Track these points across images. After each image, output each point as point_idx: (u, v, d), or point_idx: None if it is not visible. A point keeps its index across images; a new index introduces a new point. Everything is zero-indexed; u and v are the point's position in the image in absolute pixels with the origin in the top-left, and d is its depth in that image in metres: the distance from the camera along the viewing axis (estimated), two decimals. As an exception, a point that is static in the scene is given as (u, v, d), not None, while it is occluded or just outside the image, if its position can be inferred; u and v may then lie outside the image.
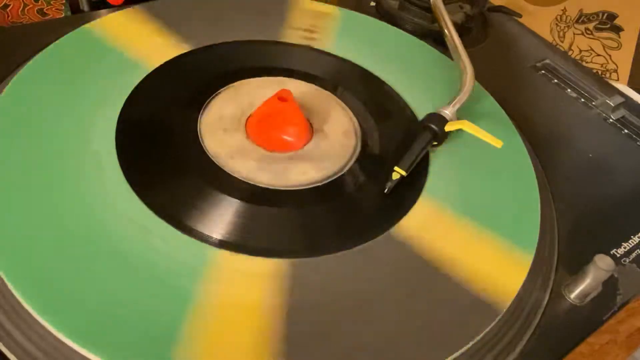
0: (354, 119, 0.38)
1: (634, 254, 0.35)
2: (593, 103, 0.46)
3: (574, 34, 0.68)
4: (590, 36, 0.68)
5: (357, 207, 0.33)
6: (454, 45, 0.42)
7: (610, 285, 0.33)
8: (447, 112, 0.36)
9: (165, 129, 0.34)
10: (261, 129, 0.35)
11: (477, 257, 0.31)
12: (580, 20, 0.69)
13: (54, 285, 0.26)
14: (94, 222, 0.29)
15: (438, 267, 0.30)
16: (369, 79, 0.41)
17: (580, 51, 0.66)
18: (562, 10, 0.70)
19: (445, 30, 0.44)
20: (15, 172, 0.30)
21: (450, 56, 0.43)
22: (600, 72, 0.64)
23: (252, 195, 0.31)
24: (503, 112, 0.40)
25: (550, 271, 0.33)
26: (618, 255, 0.35)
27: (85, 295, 0.26)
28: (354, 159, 0.35)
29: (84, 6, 0.46)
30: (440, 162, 0.36)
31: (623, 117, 0.46)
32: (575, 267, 0.33)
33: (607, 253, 0.34)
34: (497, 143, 0.34)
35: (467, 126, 0.35)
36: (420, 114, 0.38)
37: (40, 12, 0.53)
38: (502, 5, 0.55)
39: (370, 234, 0.31)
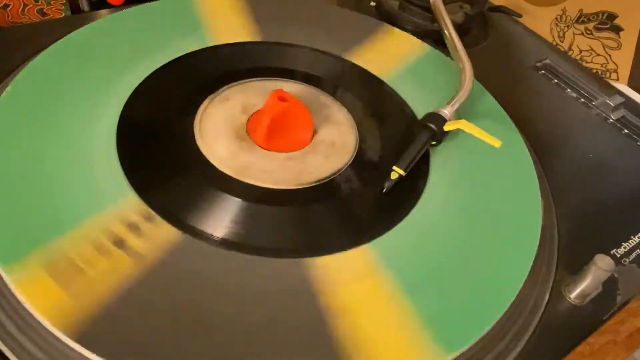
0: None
1: (634, 254, 0.35)
2: (593, 103, 0.46)
3: (574, 34, 0.68)
4: (590, 36, 0.68)
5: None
6: (453, 45, 0.42)
7: (610, 285, 0.33)
8: (446, 112, 0.36)
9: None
10: (263, 130, 0.34)
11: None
12: (580, 20, 0.69)
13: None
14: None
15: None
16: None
17: (580, 51, 0.66)
18: (562, 10, 0.70)
19: (445, 31, 0.44)
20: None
21: (450, 56, 0.43)
22: (600, 72, 0.64)
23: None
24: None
25: (550, 271, 0.33)
26: (618, 255, 0.35)
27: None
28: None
29: (84, 6, 0.46)
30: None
31: (623, 117, 0.46)
32: (575, 267, 0.33)
33: (607, 253, 0.34)
34: (496, 143, 0.34)
35: (465, 126, 0.35)
36: (420, 114, 0.38)
37: (40, 12, 0.53)
38: (502, 5, 0.55)
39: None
